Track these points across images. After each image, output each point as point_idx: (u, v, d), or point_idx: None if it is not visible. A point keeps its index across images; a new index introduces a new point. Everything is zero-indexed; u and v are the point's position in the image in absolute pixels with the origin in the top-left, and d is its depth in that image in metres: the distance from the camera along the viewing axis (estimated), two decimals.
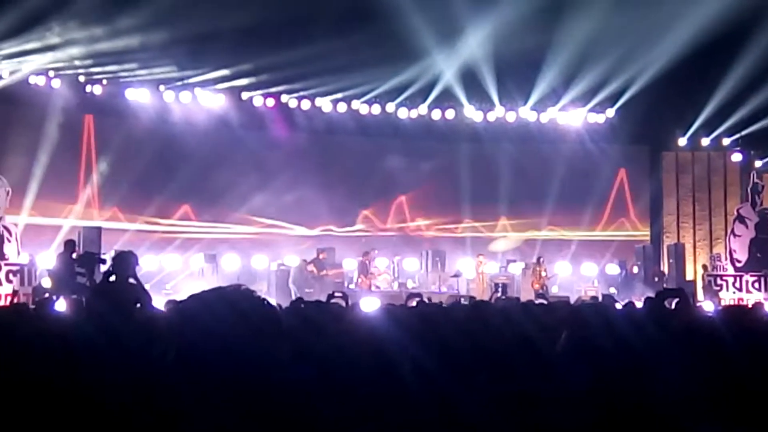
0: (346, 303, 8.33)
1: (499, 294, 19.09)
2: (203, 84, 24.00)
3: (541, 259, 23.54)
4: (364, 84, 24.48)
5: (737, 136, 25.79)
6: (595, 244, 26.67)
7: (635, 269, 24.71)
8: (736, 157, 26.55)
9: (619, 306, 7.53)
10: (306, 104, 25.18)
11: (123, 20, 19.87)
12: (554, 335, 3.76)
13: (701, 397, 3.23)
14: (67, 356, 4.32)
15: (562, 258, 25.69)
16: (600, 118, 26.59)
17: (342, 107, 25.54)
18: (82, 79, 22.79)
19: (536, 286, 22.53)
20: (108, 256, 16.43)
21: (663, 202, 27.22)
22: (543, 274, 23.00)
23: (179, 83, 23.89)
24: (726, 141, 26.45)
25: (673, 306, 5.95)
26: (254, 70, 23.24)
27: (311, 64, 22.40)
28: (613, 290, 22.44)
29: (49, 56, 20.92)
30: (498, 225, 26.77)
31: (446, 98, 25.73)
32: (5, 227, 20.36)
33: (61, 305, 10.39)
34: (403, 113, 25.91)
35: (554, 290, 23.49)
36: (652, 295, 9.94)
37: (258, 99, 24.74)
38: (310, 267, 22.24)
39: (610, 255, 26.03)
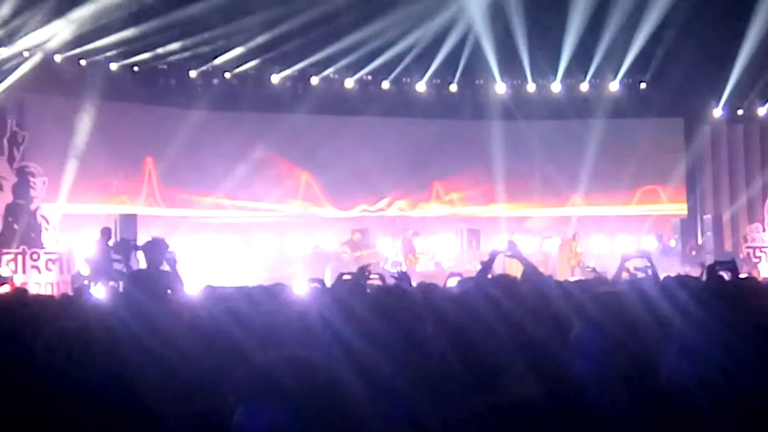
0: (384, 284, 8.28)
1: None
2: (228, 66, 24.08)
3: (576, 235, 23.37)
4: (391, 62, 24.39)
5: None
6: (631, 218, 26.49)
7: (672, 243, 24.50)
8: None
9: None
10: (335, 84, 25.21)
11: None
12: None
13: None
14: (105, 343, 4.35)
15: (599, 232, 25.54)
16: (632, 91, 26.37)
17: (370, 87, 25.54)
18: (114, 66, 22.90)
19: (572, 262, 22.40)
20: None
21: (699, 174, 26.95)
22: (578, 250, 22.86)
23: (205, 67, 23.96)
24: (762, 110, 26.14)
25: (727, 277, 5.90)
26: (277, 49, 23.24)
27: (335, 42, 22.48)
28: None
29: (75, 38, 20.91)
30: (532, 202, 26.60)
31: (476, 73, 25.63)
32: (43, 216, 20.56)
33: (99, 291, 10.50)
34: (433, 91, 25.89)
35: (591, 264, 23.32)
36: (689, 268, 9.83)
37: (282, 79, 24.81)
38: (344, 248, 22.26)
39: (647, 229, 25.83)
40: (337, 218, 25.42)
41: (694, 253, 23.35)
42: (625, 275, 7.26)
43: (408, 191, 26.36)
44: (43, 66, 21.40)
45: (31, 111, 21.44)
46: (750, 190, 26.53)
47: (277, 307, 5.54)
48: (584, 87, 26.29)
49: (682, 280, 5.36)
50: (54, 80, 21.59)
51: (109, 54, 22.37)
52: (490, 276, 6.06)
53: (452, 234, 24.44)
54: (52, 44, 20.96)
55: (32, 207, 20.29)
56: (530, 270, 6.14)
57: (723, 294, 4.14)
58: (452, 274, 10.40)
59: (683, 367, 3.21)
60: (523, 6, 21.82)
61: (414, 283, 8.19)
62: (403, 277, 8.35)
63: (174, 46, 22.30)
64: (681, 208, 26.88)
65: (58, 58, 21.85)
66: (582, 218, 26.18)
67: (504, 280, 5.17)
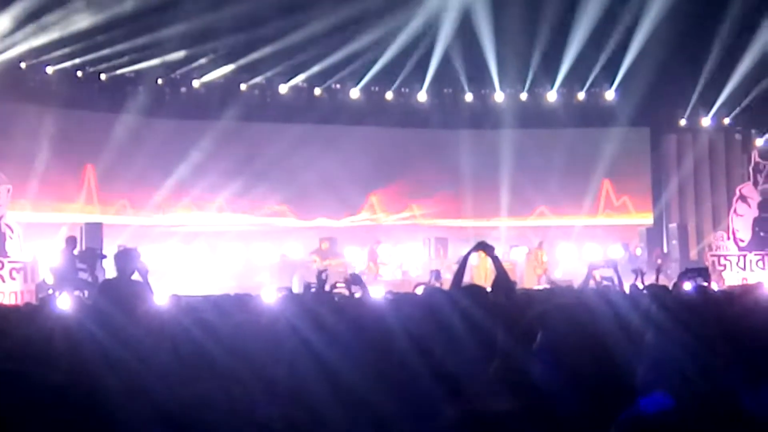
0: (350, 292, 8.31)
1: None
2: (198, 73, 24.03)
3: (542, 244, 23.47)
4: (359, 70, 24.48)
5: (735, 113, 25.80)
6: (597, 227, 26.66)
7: (638, 251, 24.68)
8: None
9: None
10: (301, 92, 25.26)
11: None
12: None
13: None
14: (69, 353, 4.31)
15: (566, 241, 25.67)
16: (599, 101, 26.59)
17: (337, 94, 25.61)
18: (79, 74, 22.77)
19: (538, 271, 22.49)
20: (109, 251, 16.50)
21: (664, 183, 27.20)
22: (544, 259, 22.95)
23: (174, 74, 23.90)
24: (726, 120, 26.43)
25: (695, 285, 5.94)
26: (247, 58, 23.26)
27: (304, 50, 22.53)
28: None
29: (42, 43, 20.77)
30: (499, 211, 26.64)
31: (444, 83, 25.76)
32: (7, 225, 20.32)
33: (63, 301, 10.39)
34: (400, 99, 26.00)
35: (557, 275, 23.44)
36: (653, 276, 9.89)
37: (252, 87, 24.80)
38: (312, 256, 22.22)
39: (613, 237, 25.98)
40: (304, 227, 25.36)
41: (659, 261, 23.51)
42: (591, 284, 7.31)
43: (376, 200, 26.37)
44: (8, 73, 21.22)
45: None
46: (715, 199, 26.81)
47: (245, 316, 5.51)
48: (551, 96, 26.47)
49: (650, 289, 5.40)
50: (18, 88, 21.43)
51: (76, 61, 22.22)
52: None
53: (420, 243, 24.48)
54: (17, 51, 20.79)
55: None
56: (502, 276, 6.13)
57: (691, 303, 4.18)
58: (419, 283, 10.43)
59: (649, 377, 3.23)
60: (491, 16, 21.97)
61: (381, 292, 8.22)
62: (354, 279, 8.39)
63: (141, 54, 22.24)
64: (647, 217, 27.09)
65: (23, 65, 21.69)
66: (549, 227, 26.32)
67: (472, 290, 5.17)
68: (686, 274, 5.80)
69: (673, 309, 3.63)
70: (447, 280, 19.68)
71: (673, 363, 3.17)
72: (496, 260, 6.43)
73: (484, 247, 6.56)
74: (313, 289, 7.85)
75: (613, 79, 25.78)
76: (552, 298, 5.91)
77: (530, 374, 3.24)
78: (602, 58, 24.00)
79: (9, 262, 19.44)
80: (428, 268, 23.10)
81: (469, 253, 6.47)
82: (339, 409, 2.82)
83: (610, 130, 26.24)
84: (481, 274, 22.58)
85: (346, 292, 8.22)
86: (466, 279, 6.61)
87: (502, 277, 6.06)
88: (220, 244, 23.63)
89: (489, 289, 5.75)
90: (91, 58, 22.20)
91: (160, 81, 24.07)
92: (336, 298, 7.39)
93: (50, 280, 18.64)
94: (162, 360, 4.29)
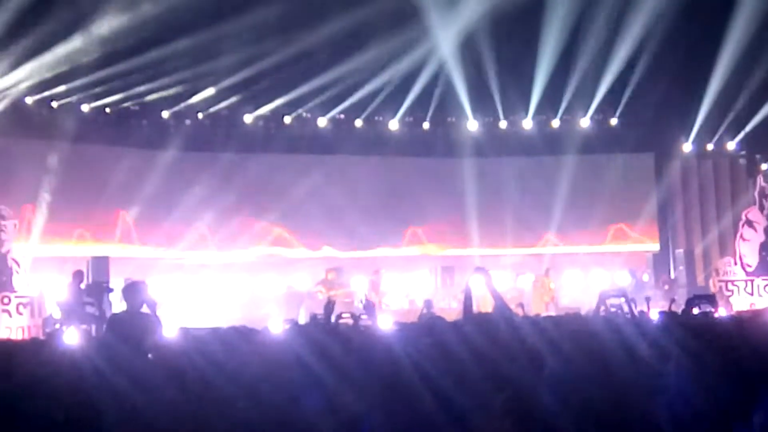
0: (356, 323, 8.30)
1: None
2: (200, 106, 24.13)
3: (548, 271, 23.43)
4: (365, 101, 24.55)
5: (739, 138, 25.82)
6: (604, 253, 26.58)
7: (645, 277, 24.61)
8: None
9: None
10: (302, 122, 25.33)
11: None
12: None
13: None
14: (76, 388, 4.30)
15: (573, 267, 25.58)
16: (603, 127, 26.61)
17: (342, 125, 25.68)
18: (85, 108, 22.87)
19: (545, 299, 22.43)
20: (117, 285, 16.52)
21: (670, 208, 27.14)
22: (551, 286, 22.90)
23: (178, 107, 23.99)
24: (731, 145, 26.43)
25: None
26: (249, 89, 23.35)
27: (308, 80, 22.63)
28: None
29: (46, 77, 20.89)
30: (505, 239, 26.58)
31: (448, 111, 25.81)
32: (14, 259, 20.33)
33: (71, 336, 10.39)
34: (405, 129, 26.06)
35: (564, 302, 23.36)
36: (663, 302, 9.85)
37: (255, 119, 24.88)
38: (319, 287, 22.20)
39: (621, 263, 25.92)
40: (310, 258, 25.32)
41: (667, 287, 23.46)
42: (602, 311, 7.29)
43: (381, 230, 26.33)
44: (14, 108, 21.33)
45: (1, 153, 21.32)
46: (721, 224, 26.75)
47: (252, 348, 5.50)
48: (555, 123, 26.49)
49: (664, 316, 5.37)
50: (24, 122, 21.53)
51: (80, 96, 22.32)
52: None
53: (426, 271, 24.43)
54: (23, 87, 20.90)
55: (3, 250, 20.08)
56: (500, 304, 6.10)
57: (699, 330, 4.16)
58: (424, 314, 10.42)
59: (659, 405, 3.21)
60: (493, 44, 22.04)
61: (389, 322, 8.19)
62: (368, 306, 8.41)
63: (145, 87, 22.33)
64: (653, 243, 27.02)
65: (28, 100, 21.80)
66: (555, 254, 26.26)
67: (480, 318, 5.15)
68: (693, 300, 5.79)
69: (683, 337, 3.61)
70: (441, 309, 19.71)
71: (678, 388, 3.16)
72: (490, 286, 6.41)
73: (480, 271, 6.54)
74: (320, 319, 7.84)
75: (617, 106, 25.81)
76: (561, 325, 5.87)
77: (539, 405, 3.23)
78: (605, 85, 24.02)
79: (16, 296, 19.42)
80: (435, 297, 23.11)
81: (469, 291, 6.44)
82: None
83: (614, 156, 26.24)
84: (487, 302, 22.51)
85: (351, 322, 8.22)
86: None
87: (498, 304, 6.02)
88: (226, 275, 23.59)
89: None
90: (96, 92, 22.30)
91: (164, 114, 24.14)
92: (342, 329, 7.37)
93: (57, 315, 18.64)
94: (169, 394, 4.28)
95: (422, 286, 24.20)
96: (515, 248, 26.50)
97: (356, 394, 3.73)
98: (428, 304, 19.16)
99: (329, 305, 7.77)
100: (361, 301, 22.19)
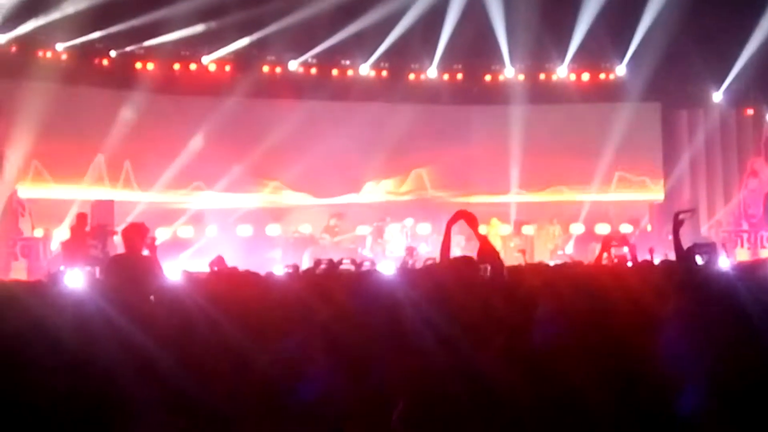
0: (357, 269, 8.34)
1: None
2: (208, 52, 23.99)
3: (554, 220, 23.41)
4: (368, 47, 24.38)
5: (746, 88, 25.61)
6: (608, 204, 26.50)
7: (648, 228, 24.60)
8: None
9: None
10: (312, 69, 25.12)
11: None
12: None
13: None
14: (80, 329, 4.33)
15: (576, 218, 25.55)
16: (609, 76, 26.42)
17: (350, 71, 25.46)
18: (89, 51, 22.74)
19: (550, 246, 22.49)
20: (120, 228, 16.56)
21: (675, 159, 26.99)
22: (556, 233, 22.94)
23: (186, 52, 23.84)
24: (737, 95, 26.22)
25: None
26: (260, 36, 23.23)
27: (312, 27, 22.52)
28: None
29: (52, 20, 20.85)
30: (510, 188, 26.52)
31: (456, 60, 25.60)
32: (19, 202, 20.43)
33: (74, 278, 10.45)
34: (413, 75, 25.86)
35: (567, 251, 23.42)
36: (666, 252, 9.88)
37: (263, 66, 24.71)
38: (323, 234, 22.25)
39: (624, 213, 25.86)
40: (315, 204, 25.29)
41: (670, 237, 23.44)
42: (605, 259, 7.31)
43: (387, 177, 26.29)
44: (19, 51, 21.31)
45: (5, 95, 21.26)
46: (726, 175, 26.64)
47: (255, 291, 5.53)
48: (562, 72, 26.27)
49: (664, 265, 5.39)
50: (28, 64, 21.45)
51: (87, 39, 22.25)
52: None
53: (430, 221, 24.39)
54: (28, 29, 20.89)
55: (8, 192, 20.17)
56: (485, 246, 6.00)
57: (699, 277, 4.18)
58: (428, 260, 10.46)
59: (658, 347, 3.23)
60: None
61: (391, 268, 8.23)
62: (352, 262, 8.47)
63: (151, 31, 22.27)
64: (658, 193, 26.92)
65: (33, 43, 21.71)
66: (559, 203, 26.21)
67: (462, 262, 5.13)
68: (693, 249, 5.79)
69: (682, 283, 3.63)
70: (426, 255, 19.71)
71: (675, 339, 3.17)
72: (476, 231, 6.27)
73: (464, 216, 6.34)
74: (323, 266, 7.87)
75: (623, 54, 25.58)
76: (563, 272, 5.89)
77: (534, 346, 3.25)
78: (613, 33, 23.80)
79: (20, 239, 19.57)
80: (437, 244, 23.08)
81: (450, 224, 6.30)
82: (348, 379, 2.83)
83: (620, 105, 26.08)
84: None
85: (353, 269, 8.26)
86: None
87: (484, 248, 5.89)
88: (230, 222, 23.59)
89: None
90: (102, 35, 22.21)
91: (170, 58, 23.97)
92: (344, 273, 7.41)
93: (61, 257, 18.75)
94: (172, 335, 4.31)
95: (424, 234, 24.16)
96: (520, 194, 26.41)
97: (358, 333, 3.76)
98: (411, 251, 19.09)
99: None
100: (361, 249, 22.36)
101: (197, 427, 3.72)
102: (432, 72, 25.77)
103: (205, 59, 24.22)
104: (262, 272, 7.91)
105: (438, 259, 6.32)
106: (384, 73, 25.73)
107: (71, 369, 3.99)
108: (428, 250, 21.98)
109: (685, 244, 5.69)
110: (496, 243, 22.60)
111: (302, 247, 22.30)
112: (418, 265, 12.50)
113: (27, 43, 21.74)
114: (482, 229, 7.04)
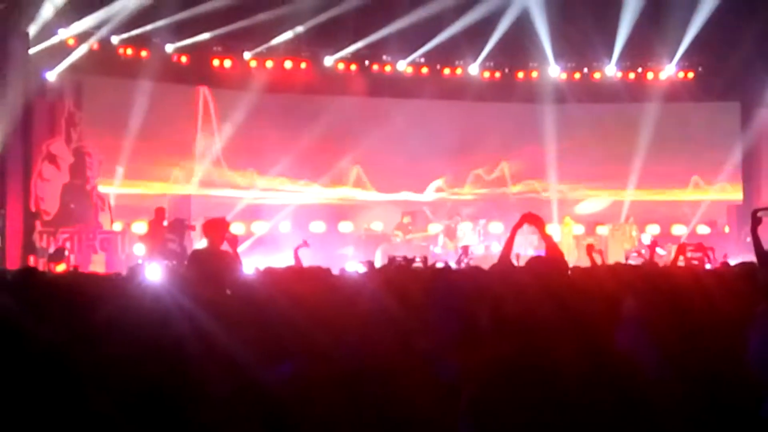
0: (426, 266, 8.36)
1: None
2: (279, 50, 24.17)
3: (630, 219, 23.13)
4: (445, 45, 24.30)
5: None
6: (684, 204, 26.10)
7: (726, 229, 24.18)
8: None
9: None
10: (385, 67, 25.14)
11: None
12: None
13: None
14: (159, 323, 4.41)
15: (652, 218, 25.21)
16: (688, 75, 25.98)
17: (422, 69, 25.41)
18: (169, 49, 23.05)
19: (626, 246, 22.21)
20: (198, 223, 16.83)
21: (755, 159, 26.42)
22: (633, 233, 22.67)
23: (259, 48, 24.02)
24: None
25: None
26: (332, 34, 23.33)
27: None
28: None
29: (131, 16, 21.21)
30: (583, 186, 26.26)
31: (528, 58, 25.42)
32: (99, 196, 20.86)
33: (153, 271, 10.64)
34: (482, 74, 25.73)
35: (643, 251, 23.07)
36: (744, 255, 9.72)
37: (337, 63, 24.79)
38: (396, 231, 22.29)
39: (702, 215, 25.45)
40: (388, 201, 25.29)
41: (748, 239, 23.00)
42: (681, 262, 7.22)
43: (459, 175, 26.21)
44: (101, 47, 21.68)
45: (88, 92, 21.69)
46: None
47: (329, 287, 5.58)
48: (639, 71, 25.92)
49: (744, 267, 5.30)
50: (110, 62, 21.85)
51: (164, 36, 22.58)
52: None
53: (502, 219, 24.24)
54: (109, 26, 21.24)
55: (88, 187, 20.60)
56: (551, 250, 6.03)
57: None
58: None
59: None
60: None
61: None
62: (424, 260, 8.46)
63: (230, 27, 22.50)
64: (736, 194, 26.40)
65: (115, 39, 22.07)
66: (635, 203, 25.84)
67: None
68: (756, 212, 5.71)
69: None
70: (479, 257, 19.60)
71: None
72: (543, 233, 6.29)
73: (529, 219, 6.36)
74: (397, 262, 7.90)
75: (702, 54, 25.12)
76: (642, 272, 5.82)
77: (615, 347, 3.23)
78: (691, 33, 23.40)
79: (100, 233, 19.97)
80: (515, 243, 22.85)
81: (516, 228, 6.31)
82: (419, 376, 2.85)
83: (699, 105, 25.65)
84: (565, 249, 22.36)
85: (421, 266, 8.28)
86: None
87: (550, 249, 5.92)
88: (304, 218, 23.75)
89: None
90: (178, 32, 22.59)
91: (247, 55, 24.19)
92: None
93: (140, 251, 19.09)
94: (249, 331, 4.37)
95: (497, 232, 24.02)
96: (595, 191, 26.13)
97: (430, 334, 3.77)
98: (464, 251, 19.01)
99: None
100: (433, 247, 22.36)
101: (272, 417, 3.77)
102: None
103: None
104: (335, 268, 7.97)
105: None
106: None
107: (151, 361, 4.07)
108: (481, 253, 21.75)
109: (766, 244, 5.56)
110: (569, 242, 22.42)
111: (374, 244, 22.38)
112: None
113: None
114: (555, 229, 7.04)
